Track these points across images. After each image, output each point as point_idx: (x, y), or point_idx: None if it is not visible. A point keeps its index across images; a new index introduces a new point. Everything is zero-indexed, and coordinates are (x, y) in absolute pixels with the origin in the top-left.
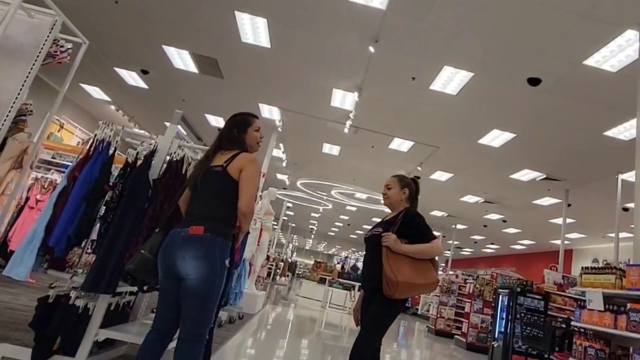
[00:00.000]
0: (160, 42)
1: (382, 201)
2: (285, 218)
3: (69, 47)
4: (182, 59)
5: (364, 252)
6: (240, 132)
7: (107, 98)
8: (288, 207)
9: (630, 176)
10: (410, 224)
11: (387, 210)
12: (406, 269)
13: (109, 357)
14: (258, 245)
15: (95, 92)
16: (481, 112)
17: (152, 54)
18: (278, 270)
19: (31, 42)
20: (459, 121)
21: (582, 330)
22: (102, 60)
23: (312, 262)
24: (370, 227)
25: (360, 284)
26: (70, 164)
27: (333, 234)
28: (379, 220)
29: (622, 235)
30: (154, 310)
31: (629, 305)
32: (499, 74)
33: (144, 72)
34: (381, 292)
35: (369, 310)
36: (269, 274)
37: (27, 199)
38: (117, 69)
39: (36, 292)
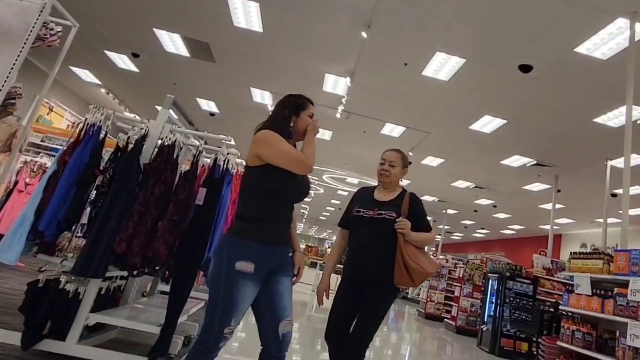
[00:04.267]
0: (152, 25)
1: (380, 177)
2: None
3: (58, 30)
4: (173, 43)
5: (360, 233)
6: (291, 113)
7: (97, 81)
8: None
9: (618, 162)
10: (416, 211)
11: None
12: (421, 258)
13: (99, 341)
14: None
15: (85, 75)
16: (472, 98)
17: (143, 37)
18: None
19: (20, 25)
20: (450, 107)
21: (569, 314)
22: (92, 43)
23: (303, 246)
24: (357, 204)
25: (346, 271)
26: (59, 147)
27: (324, 218)
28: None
29: (610, 220)
30: (145, 294)
31: (616, 290)
32: (490, 61)
33: (134, 56)
34: (387, 280)
35: (371, 300)
36: None
37: (16, 182)
38: (107, 52)
39: (25, 277)
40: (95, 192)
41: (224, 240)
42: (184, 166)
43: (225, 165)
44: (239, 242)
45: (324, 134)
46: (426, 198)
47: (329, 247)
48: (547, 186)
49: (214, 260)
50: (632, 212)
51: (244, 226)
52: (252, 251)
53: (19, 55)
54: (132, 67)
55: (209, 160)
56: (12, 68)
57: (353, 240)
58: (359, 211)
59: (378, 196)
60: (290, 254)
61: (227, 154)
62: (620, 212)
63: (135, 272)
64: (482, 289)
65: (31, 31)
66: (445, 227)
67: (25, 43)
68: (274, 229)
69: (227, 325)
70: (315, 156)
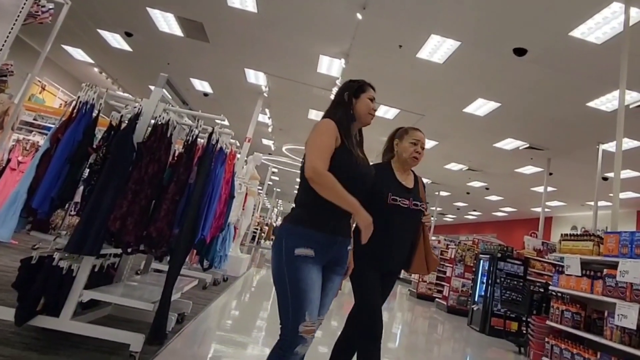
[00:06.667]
0: (145, 4)
1: (412, 161)
2: (271, 183)
3: (50, 7)
4: (167, 22)
5: (393, 222)
6: (351, 96)
7: (89, 60)
8: (273, 172)
9: (610, 146)
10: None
11: None
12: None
13: (93, 318)
14: (243, 209)
15: (78, 53)
16: (467, 81)
17: (137, 17)
18: (263, 234)
19: (12, 1)
20: (444, 90)
21: (559, 294)
22: (85, 21)
23: None
24: (383, 187)
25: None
26: (52, 125)
27: None
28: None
29: (600, 203)
30: (138, 272)
31: (605, 271)
32: (485, 44)
33: (127, 35)
34: (401, 269)
35: (390, 289)
36: (253, 238)
37: (9, 160)
38: (100, 31)
39: (19, 253)
40: (88, 170)
41: (281, 229)
42: (177, 146)
43: (219, 145)
44: (296, 230)
45: (318, 116)
46: None
47: None
48: (539, 169)
49: (273, 252)
50: (623, 195)
51: (301, 213)
52: (310, 238)
53: (10, 32)
54: (125, 47)
55: (202, 140)
56: (3, 45)
57: (381, 227)
58: (396, 199)
59: (402, 180)
60: (349, 248)
61: (220, 130)
62: (611, 195)
63: (129, 250)
64: (474, 269)
65: (22, 7)
66: (438, 208)
67: (16, 20)
68: (331, 217)
69: (301, 321)
70: (331, 190)
